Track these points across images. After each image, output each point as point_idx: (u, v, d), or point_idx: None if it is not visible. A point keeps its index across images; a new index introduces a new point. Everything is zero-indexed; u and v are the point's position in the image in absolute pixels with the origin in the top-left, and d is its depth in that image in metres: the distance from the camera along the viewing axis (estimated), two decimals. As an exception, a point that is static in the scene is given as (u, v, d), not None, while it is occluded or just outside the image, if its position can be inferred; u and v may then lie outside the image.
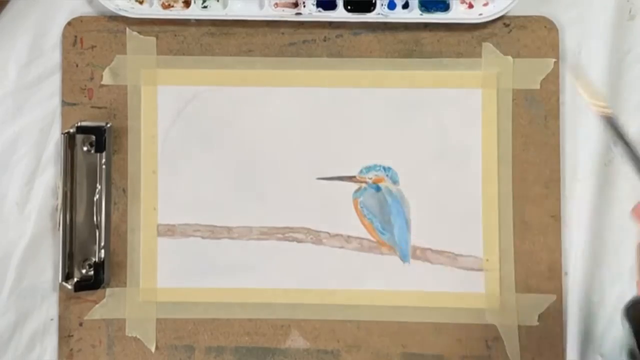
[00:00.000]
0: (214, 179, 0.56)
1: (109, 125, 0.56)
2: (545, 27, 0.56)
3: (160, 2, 0.56)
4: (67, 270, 0.55)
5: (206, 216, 0.56)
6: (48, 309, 0.56)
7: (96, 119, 0.56)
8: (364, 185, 0.56)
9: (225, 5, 0.56)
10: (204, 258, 0.56)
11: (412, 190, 0.55)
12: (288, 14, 0.55)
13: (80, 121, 0.56)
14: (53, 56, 0.57)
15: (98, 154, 0.55)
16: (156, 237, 0.56)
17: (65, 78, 0.56)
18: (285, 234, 0.56)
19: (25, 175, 0.56)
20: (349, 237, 0.56)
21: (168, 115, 0.56)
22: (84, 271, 0.55)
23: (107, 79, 0.56)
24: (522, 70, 0.55)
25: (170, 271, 0.56)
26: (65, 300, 0.56)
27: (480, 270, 0.55)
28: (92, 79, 0.56)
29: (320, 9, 0.55)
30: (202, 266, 0.56)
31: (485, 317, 0.55)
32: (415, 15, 0.55)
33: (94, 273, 0.55)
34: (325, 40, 0.56)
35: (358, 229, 0.56)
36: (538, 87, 0.55)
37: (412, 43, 0.56)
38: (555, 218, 0.55)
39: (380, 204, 0.55)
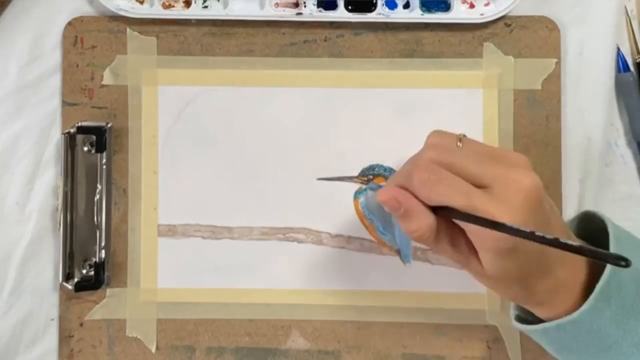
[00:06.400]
0: (214, 179, 0.56)
1: (109, 125, 0.56)
2: (546, 27, 0.55)
3: (161, 2, 0.56)
4: (67, 271, 0.55)
5: (207, 216, 0.56)
6: (48, 309, 0.56)
7: (97, 119, 0.56)
8: (364, 185, 0.55)
9: (225, 5, 0.56)
10: (205, 258, 0.56)
11: (413, 191, 0.55)
12: (289, 14, 0.55)
13: (81, 121, 0.55)
14: (53, 56, 0.56)
15: (98, 154, 0.55)
16: (157, 237, 0.56)
17: (65, 78, 0.56)
18: (285, 234, 0.56)
19: (26, 176, 0.56)
20: (349, 237, 0.56)
21: (169, 116, 0.56)
22: (84, 271, 0.55)
23: (107, 79, 0.56)
24: (524, 70, 0.55)
25: (171, 271, 0.56)
26: (65, 300, 0.56)
27: (481, 270, 0.55)
28: (92, 79, 0.56)
29: (321, 9, 0.55)
30: (203, 266, 0.56)
31: (486, 318, 0.55)
32: (416, 15, 0.55)
33: (95, 273, 0.55)
34: (326, 41, 0.56)
35: (359, 230, 0.56)
36: (539, 87, 0.55)
37: (413, 43, 0.56)
38: (557, 219, 0.55)
39: (381, 204, 0.55)
